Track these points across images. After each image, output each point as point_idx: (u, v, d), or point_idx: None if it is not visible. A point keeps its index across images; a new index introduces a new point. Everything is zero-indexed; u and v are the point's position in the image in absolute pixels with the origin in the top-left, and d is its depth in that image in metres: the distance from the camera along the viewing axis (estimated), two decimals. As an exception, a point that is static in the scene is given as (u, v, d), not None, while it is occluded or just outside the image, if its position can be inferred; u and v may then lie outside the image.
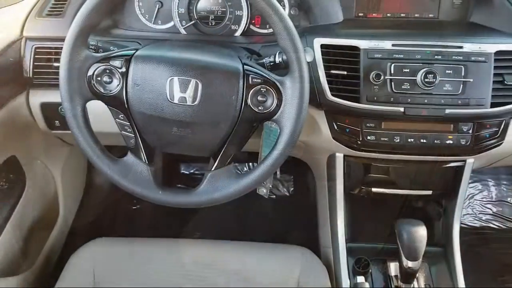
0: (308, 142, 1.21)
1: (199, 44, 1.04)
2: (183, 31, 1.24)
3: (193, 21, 1.23)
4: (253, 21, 1.24)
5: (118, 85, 0.91)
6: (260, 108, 0.90)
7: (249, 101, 0.89)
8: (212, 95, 0.88)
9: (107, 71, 0.90)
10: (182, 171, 2.10)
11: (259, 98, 0.89)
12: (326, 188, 1.35)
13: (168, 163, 2.01)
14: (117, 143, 1.06)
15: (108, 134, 1.02)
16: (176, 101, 0.88)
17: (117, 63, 0.90)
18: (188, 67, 0.88)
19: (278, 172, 1.26)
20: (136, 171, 0.95)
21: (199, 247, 1.20)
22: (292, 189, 2.04)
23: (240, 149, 0.96)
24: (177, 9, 1.23)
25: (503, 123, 1.08)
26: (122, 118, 0.94)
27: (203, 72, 0.88)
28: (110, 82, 0.91)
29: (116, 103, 0.92)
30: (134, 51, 0.92)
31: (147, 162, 0.95)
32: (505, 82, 1.01)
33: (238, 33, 1.24)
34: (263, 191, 1.25)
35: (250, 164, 2.03)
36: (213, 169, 0.94)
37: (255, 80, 0.89)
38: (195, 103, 0.88)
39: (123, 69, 0.90)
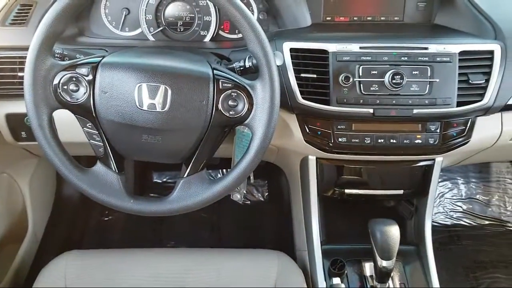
0: (280, 145, 1.21)
1: (168, 50, 1.03)
2: (151, 38, 1.23)
3: (161, 28, 1.22)
4: (222, 27, 1.24)
5: (85, 93, 0.89)
6: (231, 112, 0.89)
7: (220, 106, 0.89)
8: (182, 100, 0.87)
9: (74, 79, 0.88)
10: (155, 180, 2.08)
11: (230, 102, 0.89)
12: (300, 191, 1.35)
13: (140, 171, 1.99)
14: (86, 153, 1.03)
15: (76, 144, 1.00)
16: (145, 107, 0.87)
17: (83, 70, 0.88)
18: (157, 73, 0.87)
19: (252, 177, 1.26)
20: (106, 181, 0.93)
21: (173, 256, 1.18)
22: (266, 194, 2.04)
23: (212, 154, 0.95)
24: (145, 15, 1.22)
25: (469, 121, 1.11)
26: (90, 126, 0.92)
27: (172, 78, 0.87)
28: (76, 90, 0.89)
29: (83, 111, 0.90)
30: (101, 58, 0.90)
31: (117, 171, 0.94)
32: (470, 81, 1.04)
33: (207, 39, 1.23)
34: (237, 196, 1.25)
35: (224, 170, 2.02)
36: (185, 175, 0.93)
37: (226, 84, 0.89)
38: (165, 109, 0.87)
39: (90, 77, 0.88)
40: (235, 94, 0.89)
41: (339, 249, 1.30)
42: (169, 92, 0.87)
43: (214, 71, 0.90)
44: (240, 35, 1.23)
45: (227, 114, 0.89)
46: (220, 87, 0.89)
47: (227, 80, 0.89)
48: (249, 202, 2.03)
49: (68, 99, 0.89)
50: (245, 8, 0.86)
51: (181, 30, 1.23)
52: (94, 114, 0.89)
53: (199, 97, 0.88)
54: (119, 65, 0.89)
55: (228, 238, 1.89)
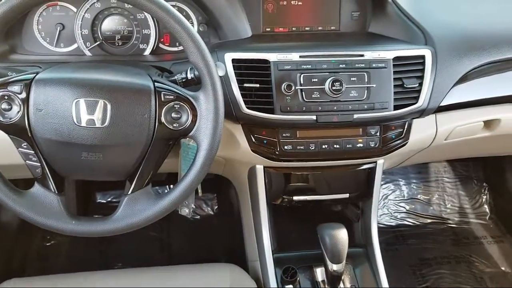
0: (227, 156, 1.20)
1: (105, 64, 1.00)
2: (88, 53, 1.19)
3: (98, 42, 1.19)
4: (162, 39, 1.23)
5: (18, 111, 0.84)
6: (175, 125, 0.88)
7: (162, 118, 0.87)
8: (122, 115, 0.85)
9: (5, 97, 0.84)
10: (99, 200, 2.01)
11: (173, 115, 0.87)
12: (249, 202, 1.35)
13: (82, 192, 1.91)
14: (23, 175, 0.98)
15: (11, 167, 0.95)
16: (83, 124, 0.84)
17: (16, 88, 0.84)
18: (95, 87, 0.85)
19: (200, 191, 1.24)
20: (45, 203, 0.88)
21: (122, 278, 1.14)
22: (216, 207, 2.03)
23: (157, 169, 0.93)
24: (80, 30, 1.18)
25: (406, 124, 1.16)
26: (25, 146, 0.87)
27: (111, 92, 0.85)
28: (9, 109, 0.84)
29: (17, 131, 0.86)
30: (34, 74, 0.86)
31: (56, 192, 0.89)
32: (405, 85, 1.08)
33: (147, 52, 1.21)
34: (185, 211, 1.22)
35: (171, 186, 1.99)
36: (129, 192, 0.90)
37: (168, 96, 0.87)
38: (105, 124, 0.84)
39: (23, 95, 0.84)
40: (178, 106, 0.88)
41: (290, 257, 1.31)
42: (109, 106, 0.84)
43: (155, 83, 0.89)
44: (181, 48, 1.22)
45: (171, 127, 0.88)
46: (162, 99, 0.87)
47: (169, 92, 0.88)
48: (199, 216, 2.00)
49: (1, 118, 0.84)
50: (184, 20, 0.86)
51: (120, 44, 1.20)
52: (29, 133, 0.85)
53: (140, 110, 0.86)
54: (54, 81, 0.85)
55: (178, 255, 1.86)
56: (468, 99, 1.18)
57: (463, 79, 1.15)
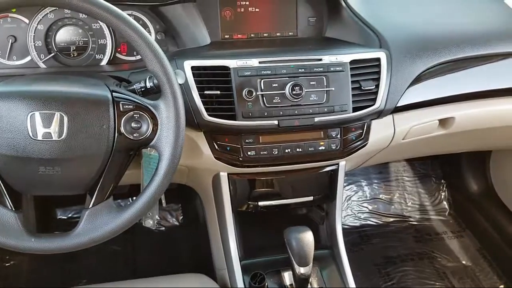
0: (190, 165, 1.19)
1: (61, 76, 0.98)
2: (42, 65, 1.16)
3: (52, 54, 1.15)
4: (119, 49, 1.21)
5: None
6: (135, 135, 0.86)
7: (122, 129, 0.86)
8: (80, 127, 0.83)
9: None
10: (59, 217, 1.94)
11: (133, 124, 0.86)
12: (215, 210, 1.34)
13: (41, 209, 1.85)
14: None
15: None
16: (40, 137, 0.81)
17: None
18: (50, 100, 0.82)
19: (163, 202, 1.22)
20: (1, 221, 0.85)
21: (86, 294, 1.11)
22: (181, 217, 2.00)
23: (118, 181, 0.91)
24: (33, 42, 1.15)
25: (365, 125, 1.18)
26: None
27: (67, 104, 0.83)
28: None
29: None
30: None
31: (13, 209, 0.86)
32: (362, 87, 1.11)
33: (104, 62, 1.19)
34: (149, 222, 1.20)
35: (134, 198, 1.95)
36: (90, 206, 0.88)
37: (127, 106, 0.86)
38: (62, 137, 0.82)
39: None
40: (138, 115, 0.86)
41: (258, 263, 1.31)
42: (65, 119, 0.82)
43: (113, 93, 0.87)
44: (138, 57, 1.20)
45: (131, 137, 0.86)
46: (121, 109, 0.86)
47: (127, 101, 0.86)
48: (164, 228, 1.97)
49: None
50: (141, 28, 0.85)
51: (75, 55, 1.18)
52: None
53: (98, 121, 0.84)
54: (6, 95, 0.82)
55: (144, 268, 1.82)
56: (423, 99, 1.22)
57: (417, 80, 1.19)
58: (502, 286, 1.82)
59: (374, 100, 1.12)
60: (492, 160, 2.01)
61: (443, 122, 1.32)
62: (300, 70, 1.08)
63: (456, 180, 2.17)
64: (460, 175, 2.14)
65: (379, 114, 1.16)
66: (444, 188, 2.22)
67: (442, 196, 2.21)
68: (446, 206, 2.19)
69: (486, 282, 1.84)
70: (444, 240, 2.04)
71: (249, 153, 1.12)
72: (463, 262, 1.93)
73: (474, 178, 2.10)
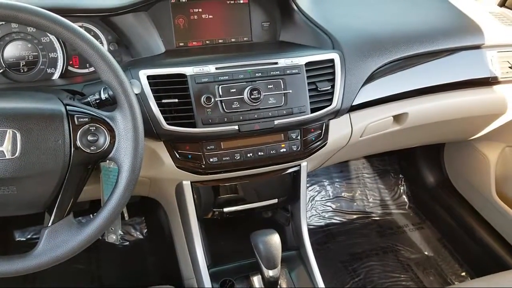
0: (152, 176, 1.18)
1: (11, 92, 0.94)
2: (-10, 82, 1.11)
3: (1, 70, 1.11)
4: (71, 62, 1.18)
5: None
6: (92, 148, 0.84)
7: (78, 143, 0.83)
8: (34, 143, 0.80)
9: None
10: (18, 239, 1.86)
11: (90, 137, 0.84)
12: (179, 220, 1.33)
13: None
14: None
15: None
16: None
17: None
18: (1, 117, 0.79)
19: (126, 215, 1.20)
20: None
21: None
22: (145, 230, 1.96)
23: (77, 196, 0.89)
24: None
25: (324, 125, 1.21)
26: None
27: (19, 120, 0.80)
28: None
29: None
30: None
31: (-33, 233, 0.82)
32: (318, 89, 1.13)
33: (55, 76, 1.16)
34: (112, 237, 1.17)
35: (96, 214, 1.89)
36: (50, 224, 0.85)
37: (82, 119, 0.84)
38: (16, 155, 0.79)
39: None
40: (94, 128, 0.84)
41: (226, 269, 1.30)
42: (18, 135, 0.79)
43: (67, 107, 0.85)
44: (92, 69, 1.18)
45: (88, 151, 0.84)
46: (76, 122, 0.83)
47: (82, 114, 0.84)
48: (128, 242, 1.93)
49: None
50: (93, 39, 0.83)
51: (25, 71, 1.14)
52: None
53: (53, 136, 0.81)
54: None
55: (111, 285, 1.77)
56: (377, 96, 1.26)
57: (370, 78, 1.23)
58: (463, 273, 1.89)
59: (331, 100, 1.14)
60: (446, 152, 2.09)
61: (397, 118, 1.36)
62: (257, 74, 1.09)
63: (413, 174, 2.24)
64: (416, 169, 2.21)
65: (336, 113, 1.18)
66: (403, 182, 2.29)
67: (401, 190, 2.28)
68: (406, 200, 2.26)
69: (448, 270, 1.91)
70: (406, 233, 2.09)
71: (211, 160, 1.11)
72: (426, 253, 1.99)
73: (430, 171, 2.17)
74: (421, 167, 2.19)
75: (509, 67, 1.41)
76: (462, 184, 2.03)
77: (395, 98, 1.30)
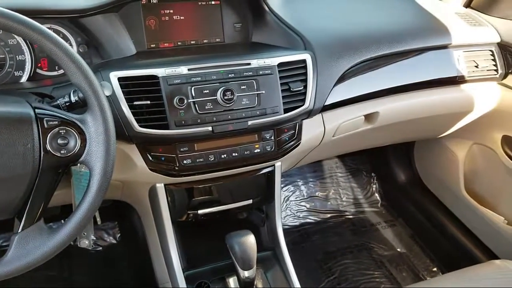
0: (125, 179, 1.16)
1: None
2: (-47, 86, 1.08)
3: None
4: (39, 65, 1.15)
5: None
6: (62, 151, 0.83)
7: (48, 146, 0.82)
8: (2, 147, 0.78)
9: None
10: (-13, 247, 1.81)
11: (60, 141, 0.82)
12: (153, 223, 1.31)
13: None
14: None
15: None
16: None
17: None
18: None
19: (98, 219, 1.18)
20: None
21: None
22: (119, 235, 1.93)
23: (48, 201, 0.87)
24: None
25: (297, 125, 1.21)
26: None
27: None
28: None
29: None
30: None
31: None
32: (291, 89, 1.14)
33: (23, 79, 1.13)
34: (85, 243, 1.15)
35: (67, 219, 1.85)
36: (20, 230, 0.83)
37: (51, 122, 0.82)
38: None
39: None
40: (64, 131, 0.83)
41: (202, 272, 1.30)
42: None
43: (36, 110, 0.83)
44: (61, 71, 1.15)
45: (58, 154, 0.82)
46: (45, 126, 0.82)
47: (52, 117, 0.82)
48: (101, 247, 1.89)
49: None
50: (62, 41, 0.82)
51: None
52: None
53: (22, 140, 0.79)
54: None
55: (84, 290, 1.74)
56: (348, 96, 1.27)
57: (342, 78, 1.24)
58: (435, 268, 1.94)
59: (304, 100, 1.15)
60: (416, 150, 2.14)
61: (368, 117, 1.38)
62: (230, 75, 1.09)
63: (385, 172, 2.28)
64: (388, 167, 2.25)
65: (309, 113, 1.19)
66: (375, 181, 2.33)
67: (374, 189, 2.31)
68: (378, 198, 2.29)
69: (420, 266, 1.95)
70: (378, 231, 2.13)
71: (185, 161, 1.11)
72: (398, 249, 2.03)
73: (401, 169, 2.22)
74: (393, 165, 2.23)
75: (475, 66, 1.45)
76: (432, 181, 2.07)
77: (366, 97, 1.32)
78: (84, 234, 1.11)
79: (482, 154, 1.73)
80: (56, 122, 0.82)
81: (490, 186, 1.73)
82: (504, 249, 1.67)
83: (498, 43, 1.50)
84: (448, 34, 1.41)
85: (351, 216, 2.20)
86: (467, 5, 1.66)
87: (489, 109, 1.57)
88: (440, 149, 1.91)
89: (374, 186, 2.32)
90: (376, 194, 2.30)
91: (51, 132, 0.82)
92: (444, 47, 1.42)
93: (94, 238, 1.88)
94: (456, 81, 1.44)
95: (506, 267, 1.13)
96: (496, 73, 1.48)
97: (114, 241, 1.92)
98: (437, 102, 1.47)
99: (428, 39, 1.39)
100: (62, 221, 1.82)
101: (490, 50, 1.49)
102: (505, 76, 1.50)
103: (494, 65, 1.48)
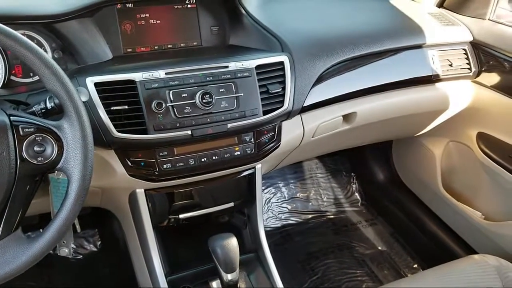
0: (103, 186, 1.15)
1: None
2: None
3: None
4: (14, 71, 1.13)
5: None
6: (39, 159, 0.81)
7: (24, 154, 0.80)
8: None
9: None
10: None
11: (36, 148, 0.81)
12: (134, 229, 1.30)
13: None
14: None
15: None
16: None
17: None
18: None
19: (78, 227, 1.16)
20: None
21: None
22: (99, 242, 1.91)
23: (25, 210, 0.85)
24: None
25: (276, 127, 1.22)
26: None
27: None
28: None
29: None
30: None
31: None
32: (270, 91, 1.14)
33: (-3, 86, 1.11)
34: (65, 251, 1.13)
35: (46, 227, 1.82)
36: (-4, 240, 0.81)
37: (27, 130, 0.81)
38: None
39: None
40: (40, 138, 0.81)
41: (185, 276, 1.29)
42: None
43: (11, 117, 0.81)
44: (36, 78, 1.13)
45: (35, 162, 0.81)
46: (21, 133, 0.80)
47: (27, 124, 0.81)
48: (81, 256, 1.86)
49: None
50: (36, 47, 0.81)
51: None
52: None
53: None
54: None
55: (64, 300, 1.71)
56: (326, 97, 1.29)
57: (320, 79, 1.26)
58: (415, 265, 1.96)
59: (282, 102, 1.16)
60: (394, 149, 2.16)
61: (346, 118, 1.40)
62: (208, 78, 1.08)
63: (364, 172, 2.31)
64: (367, 167, 2.28)
65: (288, 115, 1.20)
66: (355, 181, 2.35)
67: (354, 188, 2.34)
68: (358, 197, 2.31)
69: (401, 263, 1.97)
70: (359, 230, 2.15)
71: (164, 166, 1.10)
72: (379, 247, 2.05)
73: (380, 168, 2.24)
74: (372, 165, 2.26)
75: (449, 65, 1.48)
76: (410, 179, 2.10)
77: (344, 98, 1.33)
78: (63, 242, 1.09)
79: (458, 151, 1.76)
80: (32, 129, 0.81)
81: (467, 182, 1.77)
82: (482, 244, 1.70)
83: (470, 42, 1.53)
84: (422, 34, 1.44)
85: (332, 216, 2.22)
86: (440, 5, 1.69)
87: (464, 107, 1.60)
88: (418, 148, 1.94)
89: (354, 185, 2.34)
90: (356, 194, 2.32)
91: (27, 140, 0.81)
92: (419, 46, 1.45)
93: (74, 246, 1.85)
94: (431, 80, 1.47)
95: (484, 262, 1.15)
96: (469, 71, 1.52)
97: (94, 249, 1.89)
98: (413, 101, 1.49)
99: (403, 39, 1.41)
100: (41, 229, 1.80)
101: (463, 49, 1.52)
102: (478, 74, 1.53)
103: (467, 63, 1.52)
